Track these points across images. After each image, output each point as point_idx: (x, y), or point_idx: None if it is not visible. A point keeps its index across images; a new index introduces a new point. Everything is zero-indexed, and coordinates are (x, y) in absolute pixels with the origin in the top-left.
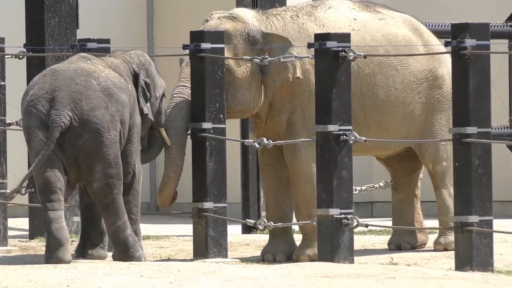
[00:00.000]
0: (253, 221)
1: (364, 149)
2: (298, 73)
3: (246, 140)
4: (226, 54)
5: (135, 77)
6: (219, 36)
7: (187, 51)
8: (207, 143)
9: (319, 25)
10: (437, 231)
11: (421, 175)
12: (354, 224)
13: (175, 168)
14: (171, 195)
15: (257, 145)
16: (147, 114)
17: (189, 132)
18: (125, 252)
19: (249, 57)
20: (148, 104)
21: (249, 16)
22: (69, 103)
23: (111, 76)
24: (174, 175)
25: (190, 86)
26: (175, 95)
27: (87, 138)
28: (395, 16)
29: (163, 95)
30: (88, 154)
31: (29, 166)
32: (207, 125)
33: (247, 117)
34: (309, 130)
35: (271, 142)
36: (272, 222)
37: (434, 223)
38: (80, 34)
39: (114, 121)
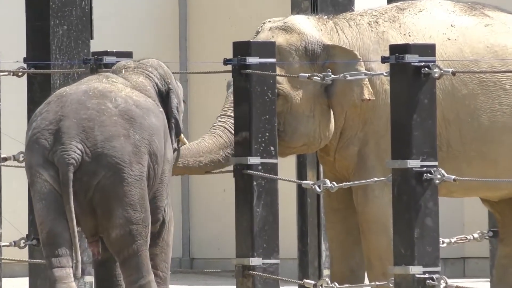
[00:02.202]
0: (313, 282)
1: (466, 189)
2: (366, 95)
3: (304, 182)
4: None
5: (160, 96)
6: (269, 48)
7: (229, 67)
8: (255, 183)
9: (404, 34)
10: None
11: None
12: (442, 286)
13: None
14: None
15: (318, 189)
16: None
17: (231, 168)
18: None
19: (307, 75)
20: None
21: (307, 25)
22: (78, 133)
23: (134, 95)
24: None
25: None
26: (214, 126)
27: (103, 176)
28: (508, 21)
29: (183, 101)
30: (105, 196)
31: (30, 212)
32: (254, 160)
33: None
34: (385, 167)
35: (335, 184)
36: (337, 283)
37: None
38: (95, 45)
39: (139, 152)
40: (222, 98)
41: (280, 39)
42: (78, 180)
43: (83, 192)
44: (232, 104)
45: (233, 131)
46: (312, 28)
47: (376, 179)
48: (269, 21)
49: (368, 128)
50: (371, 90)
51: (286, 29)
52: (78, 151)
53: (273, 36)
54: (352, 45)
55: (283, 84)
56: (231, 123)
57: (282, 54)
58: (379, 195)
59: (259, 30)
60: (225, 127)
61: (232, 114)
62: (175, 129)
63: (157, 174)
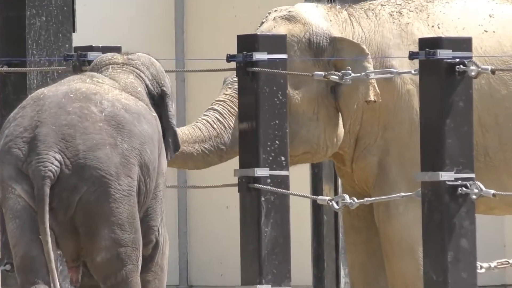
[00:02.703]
0: None
1: (508, 205)
2: (372, 96)
3: (320, 197)
4: None
5: (152, 100)
6: (279, 42)
7: (233, 65)
8: (263, 198)
9: (432, 26)
10: None
11: None
12: None
13: None
14: None
15: (335, 205)
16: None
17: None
18: None
19: (323, 73)
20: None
21: (314, 15)
22: (57, 142)
23: (123, 98)
24: None
25: (222, 110)
26: (197, 120)
27: (86, 191)
28: None
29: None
30: (89, 214)
31: (3, 233)
32: (262, 171)
33: (322, 161)
34: (410, 179)
35: (355, 200)
36: None
37: None
38: (78, 39)
39: (128, 164)
40: None
41: (282, 29)
42: (57, 196)
43: (63, 210)
44: (223, 98)
45: (216, 126)
46: (319, 18)
47: (403, 194)
48: (275, 10)
49: (388, 135)
50: (377, 90)
51: (290, 18)
52: (56, 163)
53: (275, 27)
54: (369, 39)
55: None
56: (216, 117)
57: None
58: (404, 212)
59: (264, 21)
60: (207, 121)
61: (219, 109)
62: (172, 143)
63: (149, 189)
